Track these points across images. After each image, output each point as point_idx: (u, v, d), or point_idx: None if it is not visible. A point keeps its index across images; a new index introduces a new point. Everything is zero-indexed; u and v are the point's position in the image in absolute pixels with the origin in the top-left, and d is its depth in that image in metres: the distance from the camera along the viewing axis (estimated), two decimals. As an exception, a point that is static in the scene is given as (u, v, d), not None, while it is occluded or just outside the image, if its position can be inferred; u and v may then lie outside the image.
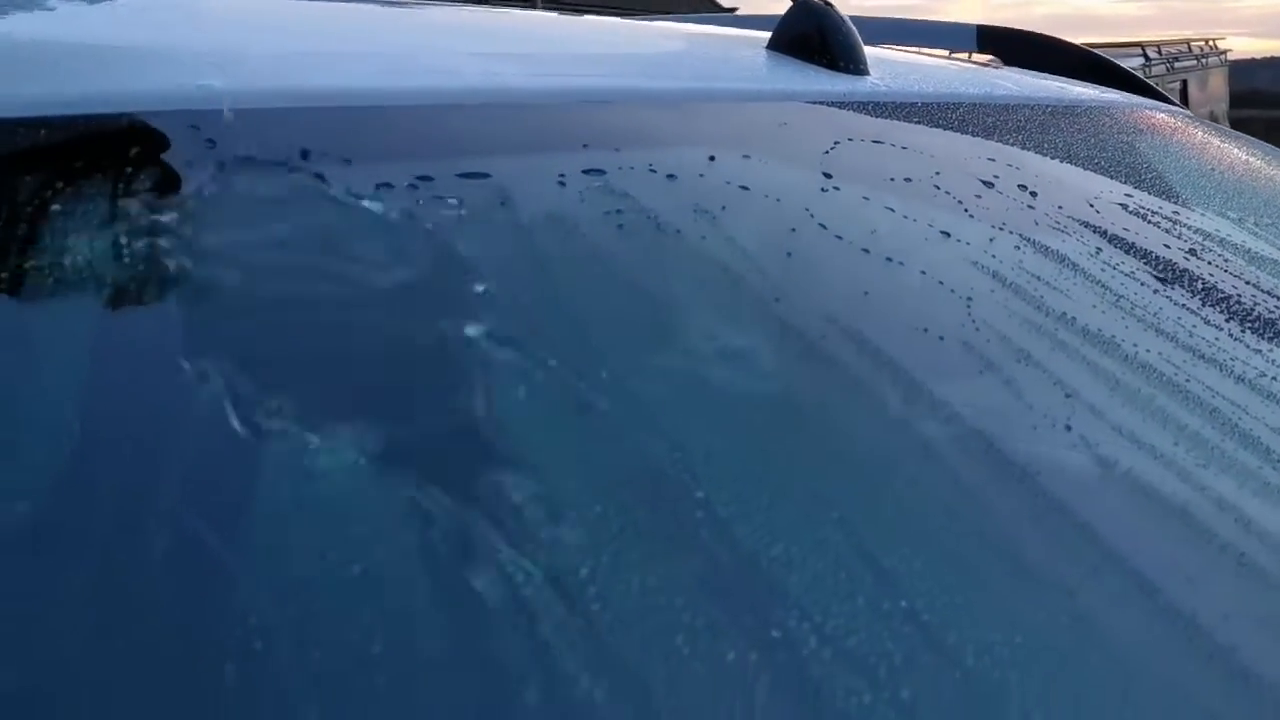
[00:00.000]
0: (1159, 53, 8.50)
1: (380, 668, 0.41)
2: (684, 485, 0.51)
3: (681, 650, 0.44)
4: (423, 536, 0.47)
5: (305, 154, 0.62)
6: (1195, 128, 1.26)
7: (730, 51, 1.07)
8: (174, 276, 0.54)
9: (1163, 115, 1.27)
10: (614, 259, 0.63)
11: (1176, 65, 8.76)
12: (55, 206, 0.55)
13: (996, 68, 1.49)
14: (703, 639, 0.45)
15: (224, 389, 0.50)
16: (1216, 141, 1.23)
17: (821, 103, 0.91)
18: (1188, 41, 9.27)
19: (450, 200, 0.62)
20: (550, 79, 0.81)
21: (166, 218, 0.57)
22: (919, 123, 0.94)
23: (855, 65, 0.99)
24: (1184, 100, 8.77)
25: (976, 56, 1.62)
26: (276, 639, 0.41)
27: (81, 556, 0.43)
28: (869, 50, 1.07)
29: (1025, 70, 1.45)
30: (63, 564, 0.42)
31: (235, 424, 0.49)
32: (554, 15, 1.40)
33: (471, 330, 0.55)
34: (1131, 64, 8.51)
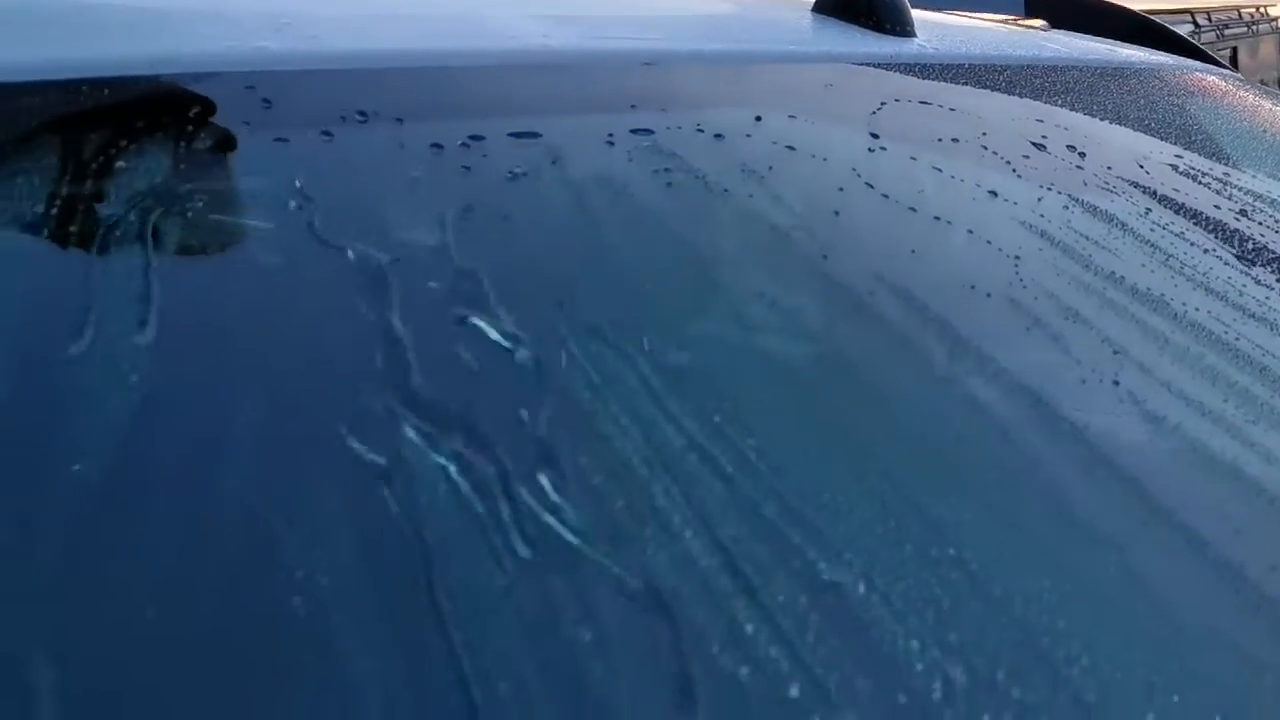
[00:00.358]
0: (1208, 19, 8.36)
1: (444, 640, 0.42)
2: (732, 442, 0.52)
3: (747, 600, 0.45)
4: (480, 489, 0.48)
5: (362, 114, 0.63)
6: (1246, 91, 1.25)
7: (776, 14, 1.07)
8: (230, 228, 0.55)
9: (1213, 78, 1.26)
10: (661, 217, 0.63)
11: (1226, 32, 8.61)
12: (120, 163, 0.56)
13: (1045, 31, 1.48)
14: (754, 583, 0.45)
15: (286, 336, 0.52)
16: (1268, 105, 1.21)
17: (868, 64, 0.91)
18: (1238, 8, 9.10)
19: (500, 158, 0.62)
20: (598, 41, 0.82)
21: (223, 174, 0.59)
22: (966, 84, 0.93)
23: (902, 27, 0.99)
24: (1234, 67, 8.62)
25: (1024, 21, 1.60)
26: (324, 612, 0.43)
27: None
28: (916, 13, 1.06)
29: (1074, 34, 1.44)
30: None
31: (308, 373, 0.50)
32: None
33: (520, 285, 0.56)
34: (1180, 31, 8.35)
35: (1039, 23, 1.57)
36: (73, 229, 0.54)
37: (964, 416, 0.57)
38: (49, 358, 0.48)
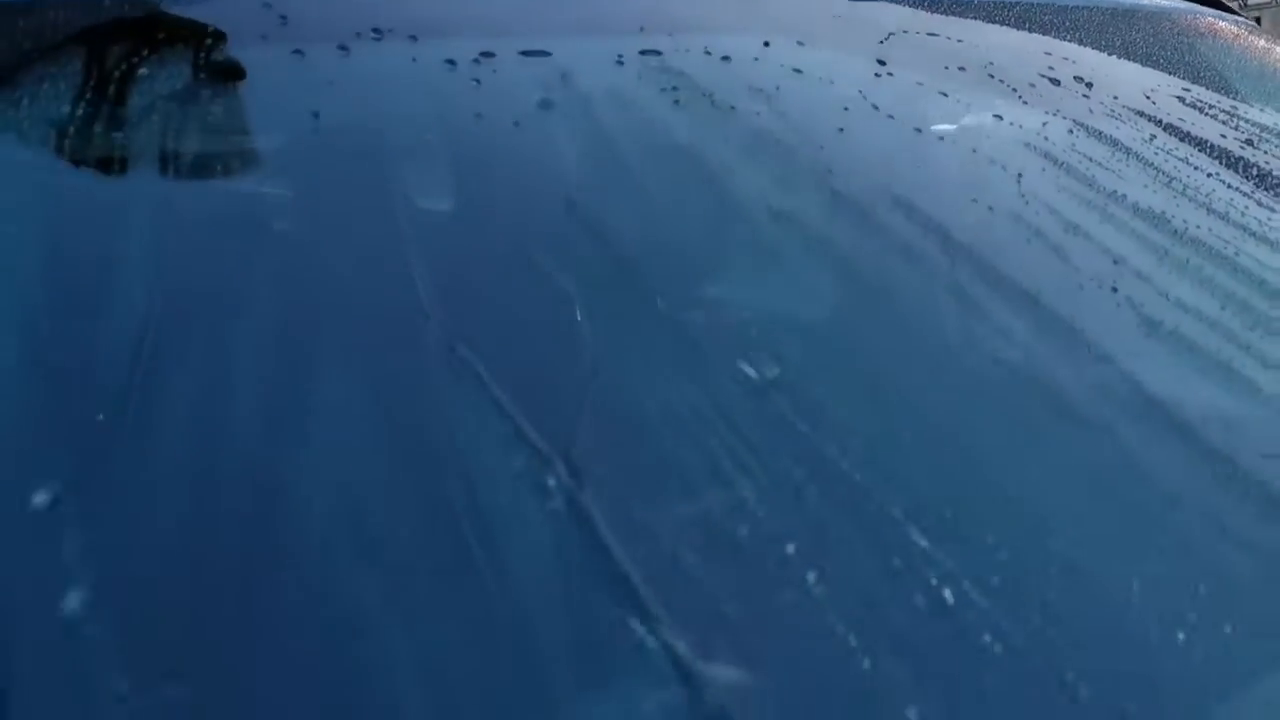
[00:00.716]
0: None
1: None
2: (735, 343, 0.54)
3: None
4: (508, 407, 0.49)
5: (376, 31, 0.65)
6: (1256, 35, 1.25)
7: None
8: (250, 137, 0.57)
9: (1224, 23, 1.26)
10: (668, 130, 0.65)
11: (1250, 1, 8.54)
12: (143, 70, 0.58)
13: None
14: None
15: (298, 250, 0.53)
16: (1274, 48, 1.22)
17: (878, -2, 0.92)
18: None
19: (511, 74, 0.64)
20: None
21: (243, 85, 0.61)
22: (971, 15, 0.94)
23: (912, -36, 0.99)
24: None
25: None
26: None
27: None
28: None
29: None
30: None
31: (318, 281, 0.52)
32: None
33: (527, 189, 0.57)
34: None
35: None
36: (98, 132, 0.55)
37: (963, 317, 0.59)
38: (72, 255, 0.50)
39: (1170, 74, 0.97)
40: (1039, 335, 0.59)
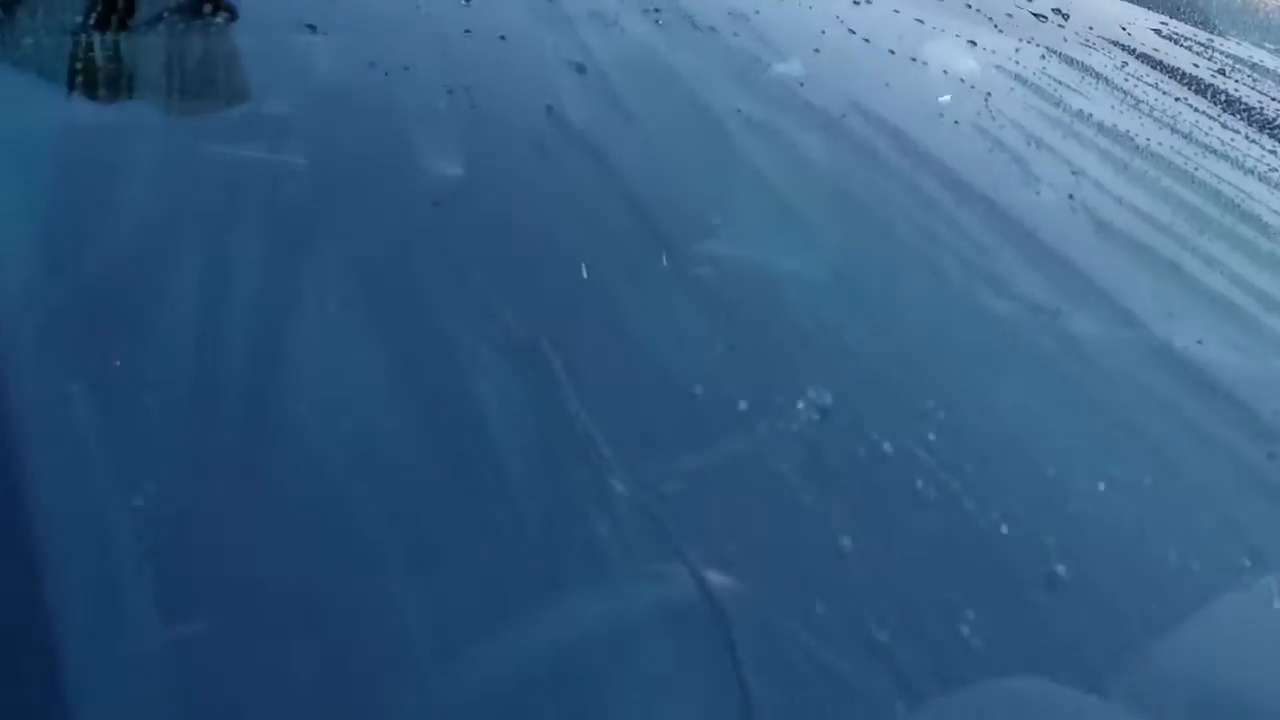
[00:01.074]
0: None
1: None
2: (689, 252, 0.57)
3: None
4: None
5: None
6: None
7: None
8: (248, 46, 0.61)
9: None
10: (653, 48, 0.68)
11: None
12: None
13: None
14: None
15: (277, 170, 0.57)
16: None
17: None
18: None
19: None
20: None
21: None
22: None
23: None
24: None
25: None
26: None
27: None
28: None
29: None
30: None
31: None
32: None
33: (536, 110, 0.61)
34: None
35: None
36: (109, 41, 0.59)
37: (927, 217, 0.62)
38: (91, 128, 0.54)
39: (1150, 9, 0.99)
40: (987, 224, 0.62)
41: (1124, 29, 0.92)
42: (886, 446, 0.48)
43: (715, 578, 0.43)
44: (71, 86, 0.59)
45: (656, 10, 0.71)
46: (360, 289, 0.52)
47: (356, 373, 0.49)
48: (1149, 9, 1.00)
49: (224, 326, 0.49)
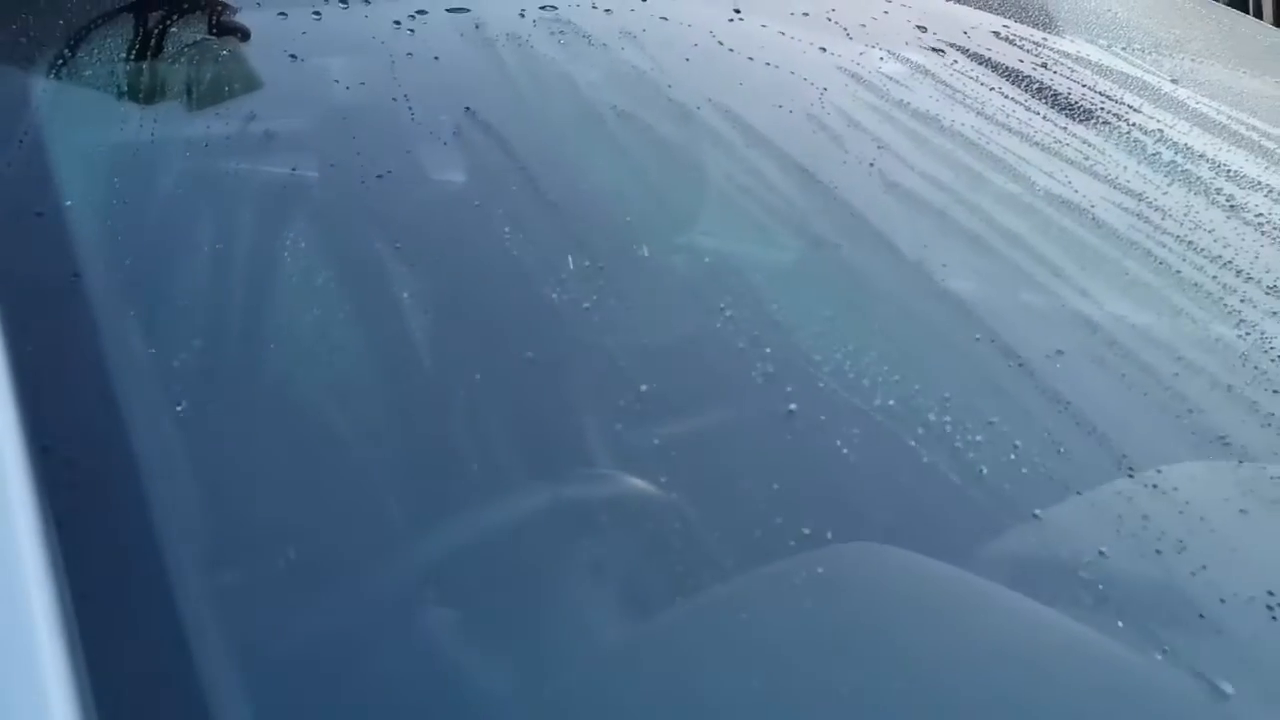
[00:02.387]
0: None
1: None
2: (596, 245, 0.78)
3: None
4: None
5: (344, 0, 0.90)
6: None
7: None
8: (248, 66, 0.82)
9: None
10: (555, 62, 0.89)
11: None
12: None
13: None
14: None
15: (281, 188, 0.78)
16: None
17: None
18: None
19: (438, 25, 0.89)
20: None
21: (249, 45, 0.86)
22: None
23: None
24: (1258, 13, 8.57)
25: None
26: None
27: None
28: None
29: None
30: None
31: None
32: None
33: (458, 109, 0.82)
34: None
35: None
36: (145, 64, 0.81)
37: (753, 186, 0.83)
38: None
39: (1000, 14, 1.19)
40: (804, 192, 0.83)
41: (966, 34, 1.12)
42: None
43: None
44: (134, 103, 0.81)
45: (561, 33, 0.93)
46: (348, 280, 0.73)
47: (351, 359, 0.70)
48: (1003, 14, 1.20)
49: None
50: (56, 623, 0.50)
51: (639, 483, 0.64)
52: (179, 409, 0.60)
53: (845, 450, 0.66)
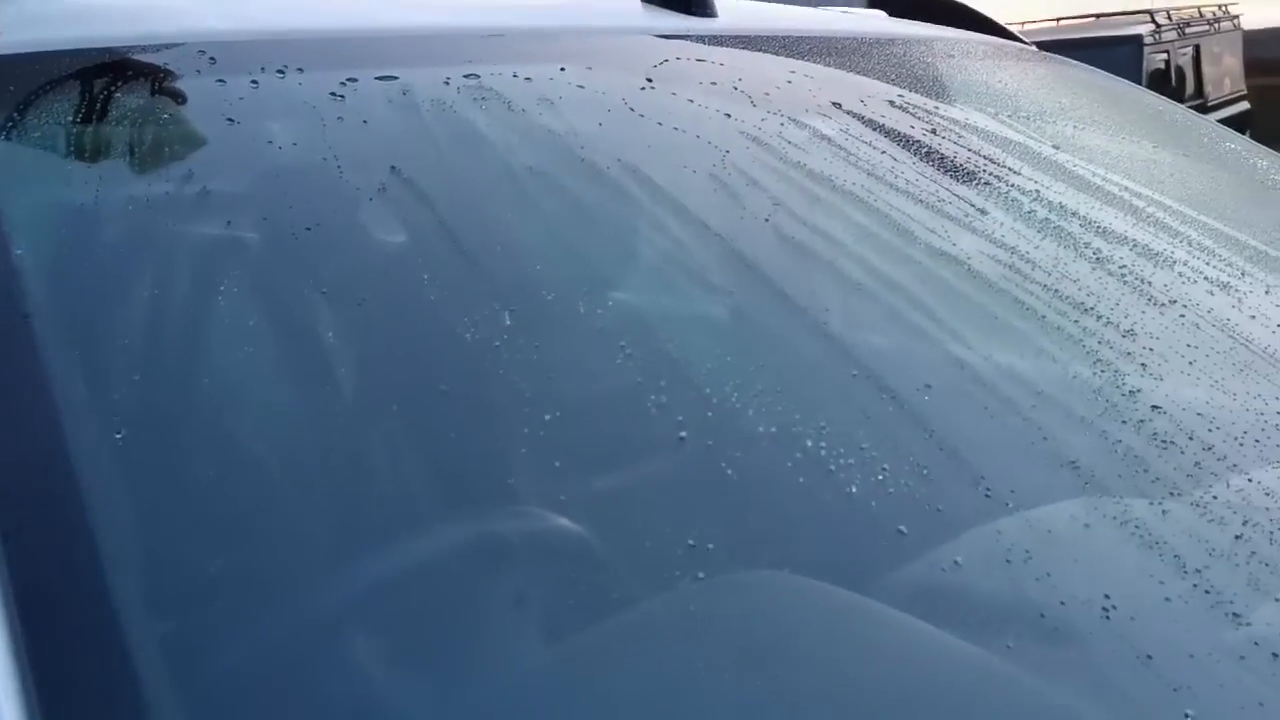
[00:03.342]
0: (1168, 18, 8.69)
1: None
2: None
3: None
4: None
5: (280, 69, 0.97)
6: (1009, 55, 1.58)
7: (611, 4, 1.41)
8: (195, 129, 0.89)
9: (984, 44, 1.59)
10: (473, 125, 0.97)
11: (1188, 30, 8.96)
12: (118, 93, 0.90)
13: (874, 17, 1.81)
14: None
15: (225, 253, 0.85)
16: (1018, 62, 1.54)
17: (665, 35, 1.25)
18: (1198, 8, 9.45)
19: (367, 91, 0.96)
20: (451, 19, 1.16)
21: (190, 109, 0.93)
22: (740, 48, 1.27)
23: (704, 9, 1.32)
24: (1197, 63, 8.95)
25: (862, 11, 1.91)
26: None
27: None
28: (733, 1, 1.40)
29: (897, 19, 1.77)
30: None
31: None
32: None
33: (384, 168, 0.89)
34: (1140, 30, 8.64)
35: (878, 12, 1.90)
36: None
37: (658, 241, 0.90)
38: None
39: (889, 82, 1.29)
40: (704, 248, 0.90)
41: (862, 102, 1.21)
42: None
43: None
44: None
45: (483, 99, 1.00)
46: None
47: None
48: (899, 85, 1.30)
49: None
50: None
51: (544, 516, 0.70)
52: (118, 437, 0.66)
53: (732, 474, 0.73)
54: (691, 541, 0.67)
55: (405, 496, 0.73)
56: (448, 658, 0.63)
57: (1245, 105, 9.68)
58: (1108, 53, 7.12)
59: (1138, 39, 8.19)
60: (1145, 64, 8.00)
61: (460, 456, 0.75)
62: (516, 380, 0.78)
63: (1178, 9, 9.03)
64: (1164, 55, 8.36)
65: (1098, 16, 9.05)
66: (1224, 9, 9.61)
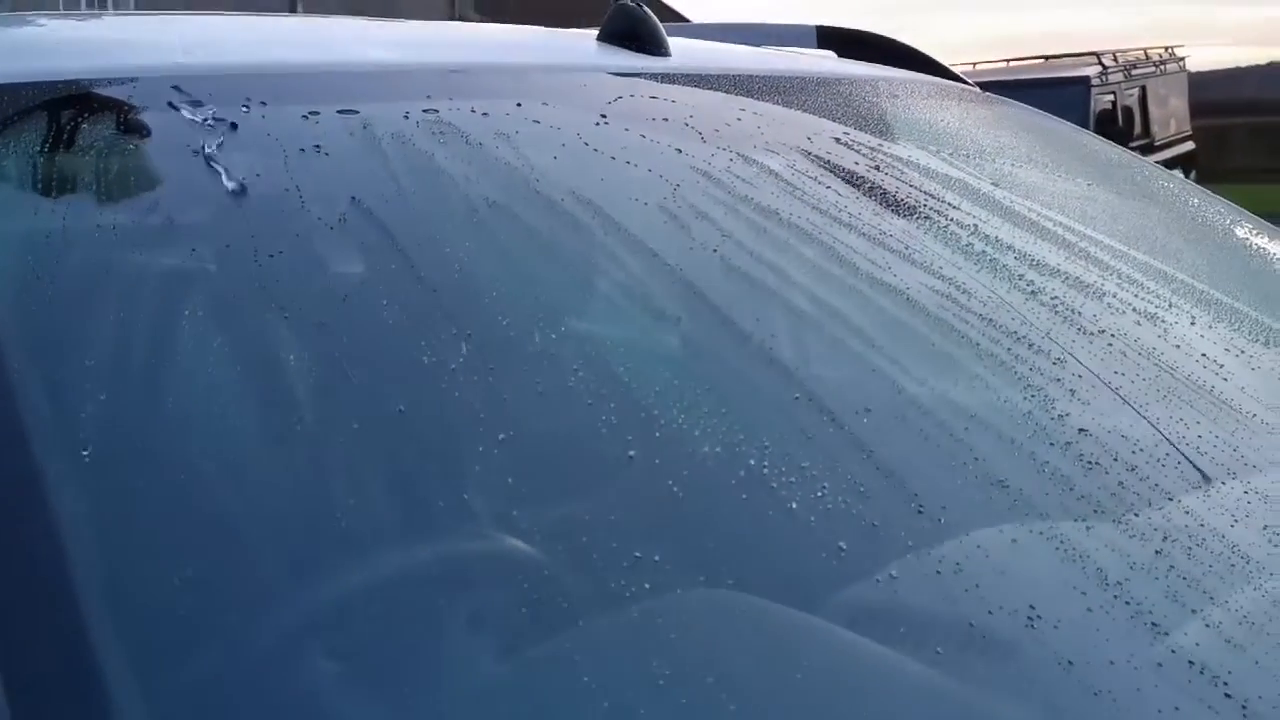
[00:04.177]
0: (1115, 60, 8.92)
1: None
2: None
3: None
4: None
5: (245, 102, 1.00)
6: (951, 95, 1.63)
7: (568, 41, 1.46)
8: (166, 163, 0.92)
9: (928, 84, 1.64)
10: (432, 155, 1.00)
11: (1134, 72, 9.19)
12: (86, 125, 0.93)
13: (823, 59, 1.86)
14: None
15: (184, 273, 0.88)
16: (960, 103, 1.60)
17: (620, 74, 1.29)
18: (1145, 50, 9.70)
19: (329, 125, 1.00)
20: (412, 55, 1.20)
21: (155, 141, 0.95)
22: (692, 86, 1.31)
23: (657, 49, 1.37)
24: (1143, 104, 9.18)
25: (811, 51, 1.97)
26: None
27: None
28: (686, 41, 1.45)
29: (845, 60, 1.83)
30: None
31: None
32: (456, 24, 1.79)
33: (345, 198, 0.92)
34: (1088, 71, 8.83)
35: (827, 53, 1.95)
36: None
37: (610, 269, 0.94)
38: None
39: (837, 120, 1.34)
40: (654, 276, 0.94)
41: (809, 139, 1.26)
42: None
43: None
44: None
45: (442, 134, 1.04)
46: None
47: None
48: (844, 123, 1.35)
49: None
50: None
51: (494, 535, 0.73)
52: (84, 454, 0.68)
53: (678, 492, 0.76)
54: (637, 556, 0.70)
55: (360, 513, 0.75)
56: (395, 672, 0.66)
57: (1190, 145, 9.91)
58: (1056, 93, 7.31)
59: (1085, 80, 8.39)
60: (1092, 105, 8.20)
61: (413, 477, 0.78)
62: (471, 400, 0.81)
63: (1125, 51, 9.27)
64: (1111, 96, 8.57)
65: (1047, 58, 9.27)
66: (1170, 51, 9.88)
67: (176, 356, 0.86)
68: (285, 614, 0.70)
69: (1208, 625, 0.74)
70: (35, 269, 0.84)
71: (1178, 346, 1.06)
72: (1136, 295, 1.13)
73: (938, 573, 0.72)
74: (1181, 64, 10.08)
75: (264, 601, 0.70)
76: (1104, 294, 1.12)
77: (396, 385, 0.82)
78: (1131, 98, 8.96)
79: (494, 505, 0.76)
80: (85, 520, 0.68)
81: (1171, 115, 9.76)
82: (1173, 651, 0.70)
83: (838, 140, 1.29)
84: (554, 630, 0.69)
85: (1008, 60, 9.47)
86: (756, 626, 0.71)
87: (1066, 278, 1.13)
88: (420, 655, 0.66)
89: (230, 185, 0.91)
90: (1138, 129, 9.04)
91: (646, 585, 0.69)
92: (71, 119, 0.95)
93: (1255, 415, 1.00)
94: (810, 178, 1.16)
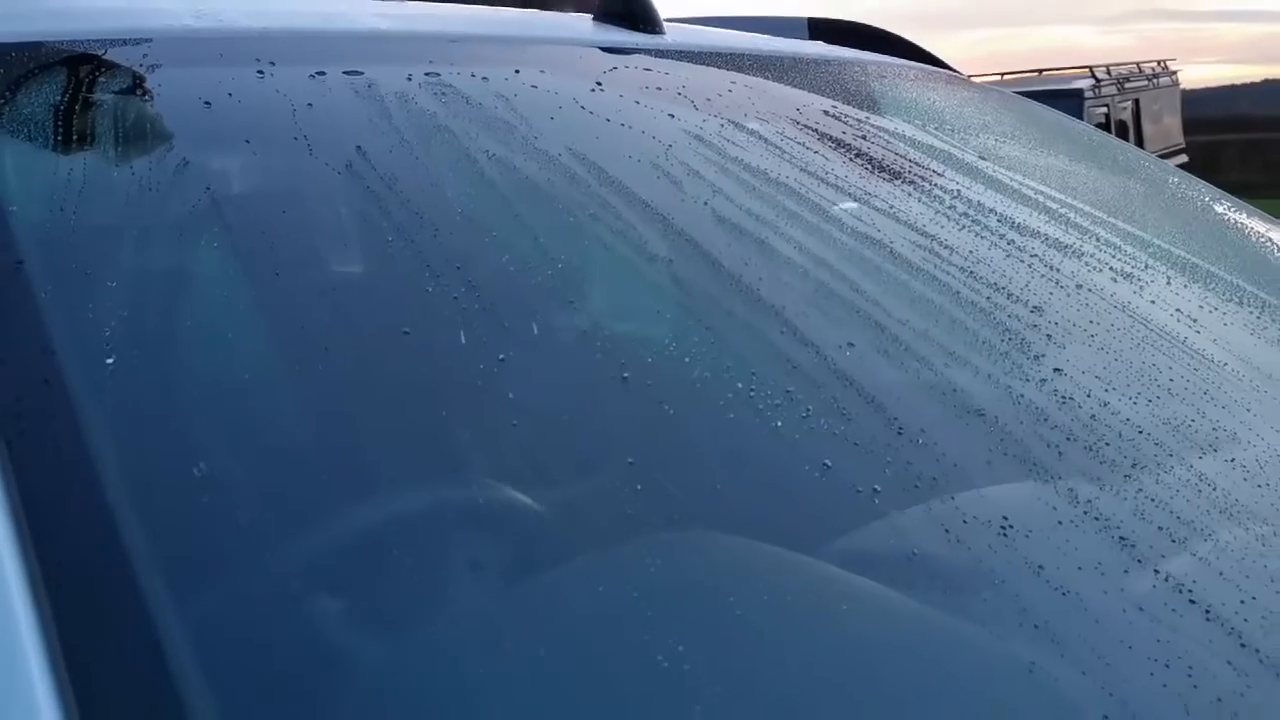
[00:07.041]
0: (1108, 73, 8.99)
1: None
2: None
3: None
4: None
5: (259, 59, 1.04)
6: (939, 79, 1.68)
7: (566, 20, 1.50)
8: (175, 114, 0.96)
9: (916, 69, 1.69)
10: (434, 115, 1.04)
11: (1127, 85, 9.26)
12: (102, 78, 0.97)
13: (815, 47, 1.91)
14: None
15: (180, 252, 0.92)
16: (948, 85, 1.65)
17: (615, 49, 1.34)
18: (1138, 64, 9.78)
19: (336, 84, 1.04)
20: (419, 24, 1.24)
21: (166, 100, 0.99)
22: (686, 61, 1.36)
23: (651, 26, 1.41)
24: (1136, 117, 9.25)
25: (802, 42, 2.02)
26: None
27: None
28: (681, 24, 1.50)
29: (834, 47, 1.87)
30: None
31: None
32: (456, 4, 1.83)
33: (350, 147, 0.96)
34: (1082, 84, 8.89)
35: (818, 43, 2.00)
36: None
37: (608, 219, 0.98)
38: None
39: (825, 94, 1.38)
40: (647, 225, 0.98)
41: (798, 109, 1.30)
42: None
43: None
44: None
45: (443, 94, 1.08)
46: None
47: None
48: (833, 97, 1.39)
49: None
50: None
51: (490, 484, 0.77)
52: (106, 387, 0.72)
53: (670, 431, 0.80)
54: (637, 489, 0.73)
55: (358, 470, 0.78)
56: (399, 613, 0.68)
57: (1184, 159, 9.98)
58: (1050, 106, 7.37)
59: (1079, 93, 8.46)
60: (1086, 117, 8.27)
61: (413, 433, 0.81)
62: (471, 347, 0.84)
63: (1118, 65, 9.34)
64: (1104, 109, 8.64)
65: (1040, 71, 9.35)
66: (1163, 65, 9.96)
67: (191, 310, 0.90)
68: (300, 550, 0.73)
69: (1173, 540, 0.77)
70: (49, 229, 0.88)
71: (1152, 302, 1.10)
72: (1112, 255, 1.17)
73: (916, 487, 0.76)
74: (1174, 78, 10.15)
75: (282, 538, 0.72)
76: (1081, 253, 1.16)
77: (399, 336, 0.85)
78: (1125, 111, 9.03)
79: (489, 452, 0.79)
80: (110, 442, 0.71)
81: (1165, 128, 9.83)
82: (1139, 561, 0.74)
83: (825, 112, 1.33)
84: (545, 571, 0.72)
85: (1002, 74, 9.54)
86: (743, 564, 0.74)
87: (1045, 238, 1.17)
88: (420, 597, 0.69)
89: (242, 134, 0.95)
90: (1131, 141, 9.10)
91: (636, 529, 0.72)
92: (85, 79, 0.99)
93: (1225, 364, 1.04)
94: (798, 143, 1.21)
